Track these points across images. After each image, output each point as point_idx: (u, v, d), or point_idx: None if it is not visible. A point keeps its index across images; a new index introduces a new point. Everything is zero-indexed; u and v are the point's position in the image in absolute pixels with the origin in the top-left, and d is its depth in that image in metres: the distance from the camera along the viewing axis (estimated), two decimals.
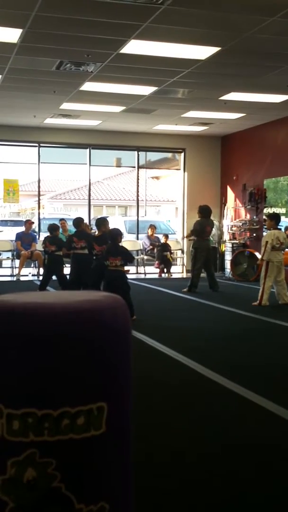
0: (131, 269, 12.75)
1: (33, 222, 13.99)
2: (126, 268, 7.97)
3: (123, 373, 1.72)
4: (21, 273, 12.86)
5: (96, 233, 9.15)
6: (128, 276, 7.73)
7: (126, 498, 1.77)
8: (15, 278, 12.67)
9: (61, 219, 13.29)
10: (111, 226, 8.84)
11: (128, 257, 7.64)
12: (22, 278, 12.72)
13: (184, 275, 13.80)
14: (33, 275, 13.08)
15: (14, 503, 1.57)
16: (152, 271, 13.89)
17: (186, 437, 3.53)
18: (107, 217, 14.74)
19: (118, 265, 7.46)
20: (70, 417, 1.58)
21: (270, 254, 8.78)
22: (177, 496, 2.75)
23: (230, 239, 13.86)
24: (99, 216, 20.54)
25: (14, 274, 13.00)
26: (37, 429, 1.56)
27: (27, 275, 13.03)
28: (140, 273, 14.01)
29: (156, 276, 13.65)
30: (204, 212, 10.84)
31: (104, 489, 1.67)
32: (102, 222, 8.92)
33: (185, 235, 14.24)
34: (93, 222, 18.04)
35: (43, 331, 1.58)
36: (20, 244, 13.04)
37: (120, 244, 7.76)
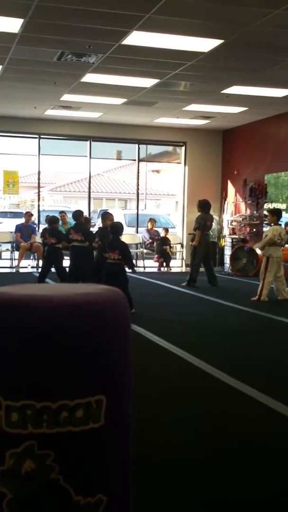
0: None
1: (32, 214, 13.97)
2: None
3: (122, 366, 1.71)
4: (21, 265, 12.85)
5: (100, 225, 9.19)
6: (127, 269, 7.70)
7: (124, 490, 1.76)
8: (14, 270, 12.66)
9: (61, 212, 13.27)
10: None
11: (126, 256, 7.55)
12: (21, 270, 12.71)
13: (183, 269, 13.80)
14: (32, 267, 13.07)
15: (12, 495, 1.57)
16: (151, 264, 13.88)
17: (185, 432, 3.52)
18: (107, 210, 14.75)
19: (116, 258, 7.45)
20: (68, 410, 1.57)
21: (270, 250, 8.77)
22: (175, 492, 2.74)
23: (229, 234, 13.85)
24: (100, 210, 20.55)
25: (14, 266, 12.99)
26: (36, 421, 1.55)
27: (26, 267, 13.03)
28: (139, 267, 14.00)
29: (155, 269, 13.65)
30: (204, 206, 10.81)
31: (102, 482, 1.66)
32: (107, 216, 8.94)
33: (185, 230, 14.24)
34: (93, 215, 18.08)
35: (41, 324, 1.57)
36: (19, 236, 13.03)
37: (120, 238, 7.74)
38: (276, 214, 9.16)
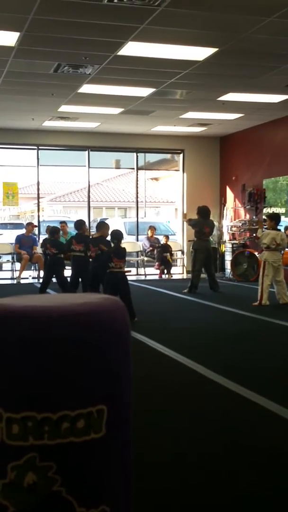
0: (132, 270, 12.76)
1: (35, 226, 13.97)
2: (126, 269, 7.99)
3: (123, 375, 1.72)
4: (22, 276, 12.86)
5: (95, 235, 9.19)
6: (128, 277, 7.73)
7: (127, 500, 1.76)
8: (15, 281, 12.66)
9: (61, 222, 13.30)
10: (111, 227, 8.85)
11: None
12: (22, 281, 12.72)
13: (185, 276, 13.80)
14: (33, 278, 13.08)
15: (14, 508, 1.57)
16: (152, 272, 13.89)
17: (187, 438, 3.53)
18: (106, 219, 14.78)
19: (121, 266, 7.49)
20: (70, 420, 1.58)
21: (265, 255, 8.83)
22: (178, 497, 2.75)
23: (230, 240, 13.86)
24: (100, 219, 20.59)
25: (14, 277, 13.00)
26: (37, 432, 1.56)
27: (27, 278, 13.04)
28: (141, 275, 14.01)
29: (157, 277, 13.65)
30: (203, 213, 10.83)
31: (105, 492, 1.67)
32: (103, 225, 8.97)
33: (185, 237, 14.25)
34: (93, 225, 18.09)
35: (41, 334, 1.58)
36: (18, 247, 13.03)
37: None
38: (274, 219, 9.18)
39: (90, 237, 9.92)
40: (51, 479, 1.57)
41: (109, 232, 8.30)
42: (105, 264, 7.59)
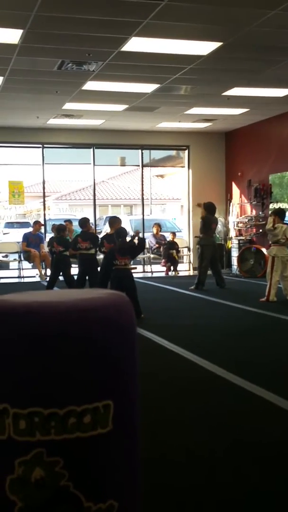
0: (138, 267, 12.75)
1: (42, 224, 13.99)
2: (132, 266, 7.98)
3: (128, 370, 1.71)
4: (27, 274, 12.92)
5: (109, 231, 9.19)
6: (135, 275, 7.71)
7: (134, 495, 1.76)
8: (40, 279, 12.61)
9: (66, 220, 13.30)
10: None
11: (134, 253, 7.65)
12: (28, 280, 12.75)
13: (191, 272, 13.78)
14: (40, 276, 13.10)
15: (22, 503, 1.57)
16: (158, 269, 13.88)
17: (194, 434, 3.51)
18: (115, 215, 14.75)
19: (126, 264, 7.47)
20: (76, 416, 1.57)
21: (275, 250, 8.80)
22: (184, 493, 2.73)
23: (236, 236, 13.82)
24: (106, 216, 20.58)
25: (22, 275, 13.04)
26: (44, 428, 1.55)
27: (34, 276, 13.05)
28: (147, 272, 14.00)
29: (163, 274, 13.64)
30: (209, 209, 10.80)
31: (113, 487, 1.66)
32: (115, 220, 8.93)
33: (191, 234, 14.22)
34: (99, 222, 18.12)
35: (47, 331, 1.57)
36: (25, 245, 13.07)
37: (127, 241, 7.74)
38: (277, 214, 9.15)
39: (104, 234, 9.95)
40: (58, 474, 1.57)
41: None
42: (110, 261, 7.59)
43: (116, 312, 1.70)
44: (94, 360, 1.62)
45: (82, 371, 1.59)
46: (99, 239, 9.64)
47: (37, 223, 13.82)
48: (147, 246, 14.13)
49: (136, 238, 7.84)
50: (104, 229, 16.26)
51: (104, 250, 8.96)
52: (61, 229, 10.20)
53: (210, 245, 10.61)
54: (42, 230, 14.04)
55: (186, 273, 14.01)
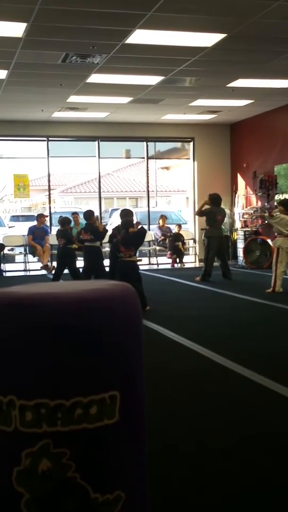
0: (144, 260, 12.76)
1: (46, 216, 14.01)
2: (138, 258, 7.98)
3: (134, 361, 1.71)
4: (34, 267, 12.95)
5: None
6: (141, 267, 7.72)
7: (142, 486, 1.77)
8: (46, 272, 12.66)
9: (74, 213, 13.30)
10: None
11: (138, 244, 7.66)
12: (33, 273, 12.78)
13: (197, 264, 13.77)
14: (42, 268, 13.12)
15: (29, 494, 1.58)
16: (164, 261, 13.88)
17: (204, 426, 3.52)
18: (118, 209, 14.71)
19: (131, 255, 7.47)
20: (82, 407, 1.58)
21: (279, 241, 8.80)
22: (195, 485, 2.75)
23: (242, 227, 13.80)
24: (113, 209, 20.55)
25: (28, 269, 13.07)
26: (50, 419, 1.56)
27: (39, 269, 13.08)
28: (153, 264, 14.01)
29: (169, 266, 13.64)
30: (214, 200, 10.78)
31: (120, 478, 1.67)
32: (127, 213, 8.89)
33: (197, 226, 14.20)
34: (104, 215, 18.11)
35: (51, 322, 1.58)
36: (31, 238, 13.11)
37: (134, 231, 7.69)
38: (283, 205, 9.12)
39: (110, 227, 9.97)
40: (65, 465, 1.58)
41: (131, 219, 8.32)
42: (114, 254, 7.61)
43: (121, 303, 1.71)
44: (99, 351, 1.63)
45: (88, 362, 1.60)
46: (105, 231, 9.62)
47: (41, 216, 13.84)
48: (152, 238, 14.16)
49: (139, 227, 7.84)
50: (110, 222, 16.29)
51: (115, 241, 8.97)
52: (64, 222, 10.19)
53: (216, 237, 10.60)
54: (47, 223, 14.06)
55: (192, 265, 14.00)
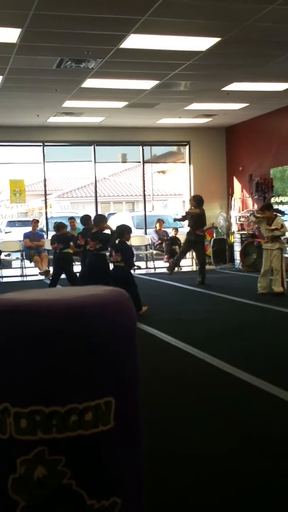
0: (141, 264, 12.73)
1: (38, 221, 14.03)
2: (137, 264, 8.04)
3: (129, 366, 1.71)
4: (30, 273, 12.95)
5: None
6: (138, 271, 7.74)
7: (138, 492, 1.76)
8: (44, 278, 12.65)
9: (70, 218, 13.29)
10: (120, 222, 8.86)
11: (126, 256, 7.67)
12: (30, 278, 12.76)
13: (194, 268, 13.76)
14: (41, 274, 13.10)
15: (25, 502, 1.57)
16: (161, 265, 13.87)
17: (203, 429, 3.52)
18: (114, 213, 14.72)
19: (119, 260, 7.52)
20: (78, 413, 1.57)
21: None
22: (194, 488, 2.74)
23: (238, 230, 13.81)
24: (109, 213, 20.54)
25: (24, 274, 13.05)
26: (45, 426, 1.56)
27: (36, 275, 13.07)
28: (150, 268, 14.00)
29: (166, 270, 13.61)
30: (201, 201, 10.83)
31: (116, 484, 1.66)
32: (100, 218, 8.95)
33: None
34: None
35: (46, 328, 1.57)
36: (28, 241, 13.14)
37: (127, 241, 7.78)
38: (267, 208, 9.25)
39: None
40: (61, 472, 1.57)
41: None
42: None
43: (115, 309, 1.70)
44: (94, 357, 1.62)
45: (83, 369, 1.60)
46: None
47: (33, 221, 13.87)
48: (149, 242, 14.16)
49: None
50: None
51: (88, 247, 8.96)
52: (60, 227, 10.17)
53: (204, 240, 10.75)
54: (45, 228, 14.04)
55: (189, 269, 13.99)
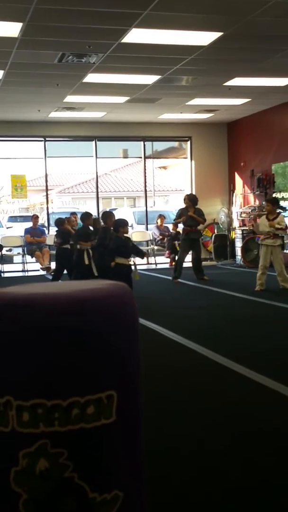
0: (141, 259, 12.73)
1: (38, 216, 14.04)
2: (138, 259, 8.06)
3: (131, 360, 1.71)
4: (31, 268, 12.96)
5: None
6: (138, 267, 7.76)
7: (139, 485, 1.76)
8: (44, 272, 12.67)
9: (72, 213, 13.29)
10: (121, 217, 8.87)
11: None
12: (32, 274, 12.77)
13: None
14: (43, 269, 13.12)
15: (27, 495, 1.58)
16: (163, 261, 13.87)
17: (202, 425, 3.52)
18: (116, 209, 14.69)
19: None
20: (80, 407, 1.58)
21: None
22: (194, 484, 2.75)
23: (239, 226, 13.80)
24: (111, 208, 20.51)
25: (26, 269, 13.06)
26: (47, 419, 1.56)
27: (38, 270, 13.08)
28: (151, 263, 14.00)
29: (167, 265, 13.63)
30: (196, 200, 10.90)
31: (117, 477, 1.67)
32: (86, 216, 8.97)
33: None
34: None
35: (48, 322, 1.57)
36: (29, 236, 13.14)
37: (123, 235, 7.81)
38: (271, 202, 9.23)
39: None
40: (63, 465, 1.58)
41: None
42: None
43: (117, 302, 1.70)
44: (96, 351, 1.62)
45: (84, 362, 1.60)
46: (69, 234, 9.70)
47: (33, 217, 13.88)
48: (150, 238, 14.16)
49: None
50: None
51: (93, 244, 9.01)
52: (60, 223, 10.19)
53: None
54: (46, 223, 14.03)
55: (190, 264, 13.97)
